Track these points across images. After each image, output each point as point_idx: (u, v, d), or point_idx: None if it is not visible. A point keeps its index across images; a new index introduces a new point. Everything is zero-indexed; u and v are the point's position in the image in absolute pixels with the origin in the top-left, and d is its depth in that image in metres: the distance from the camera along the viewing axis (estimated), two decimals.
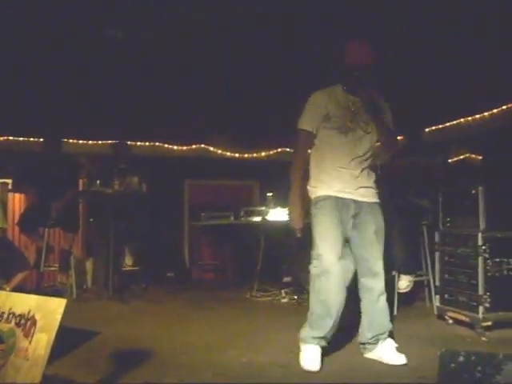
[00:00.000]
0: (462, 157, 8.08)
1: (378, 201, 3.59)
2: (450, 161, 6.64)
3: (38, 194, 6.02)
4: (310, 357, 3.39)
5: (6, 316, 3.70)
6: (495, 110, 6.34)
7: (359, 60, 3.40)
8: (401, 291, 5.08)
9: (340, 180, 3.47)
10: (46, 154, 6.19)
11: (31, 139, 7.61)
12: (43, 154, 6.28)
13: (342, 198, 3.47)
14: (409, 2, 4.46)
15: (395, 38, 5.07)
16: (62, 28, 5.43)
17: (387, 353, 3.52)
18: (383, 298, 3.59)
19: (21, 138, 7.64)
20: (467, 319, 4.39)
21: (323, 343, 3.47)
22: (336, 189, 3.47)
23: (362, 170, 3.52)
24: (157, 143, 8.23)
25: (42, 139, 6.66)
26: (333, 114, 3.46)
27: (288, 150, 8.61)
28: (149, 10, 5.01)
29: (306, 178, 3.58)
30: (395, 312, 5.05)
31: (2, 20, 5.00)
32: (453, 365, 2.30)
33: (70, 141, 7.54)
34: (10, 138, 7.61)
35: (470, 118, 6.76)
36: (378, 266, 3.54)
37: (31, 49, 5.69)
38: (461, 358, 2.31)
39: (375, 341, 3.56)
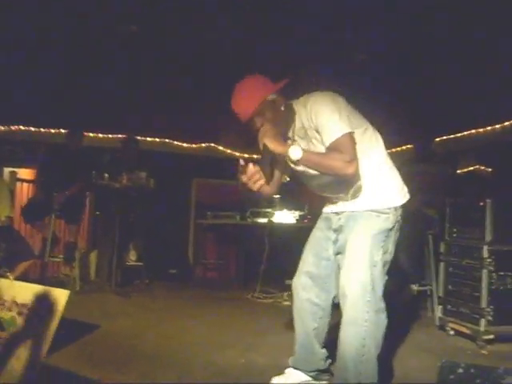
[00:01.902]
0: (471, 168, 8.06)
1: (361, 209, 2.87)
2: (459, 171, 6.61)
3: (46, 184, 6.06)
4: (283, 379, 3.11)
5: (8, 304, 3.73)
6: (507, 123, 6.32)
7: (239, 117, 2.89)
8: (404, 301, 5.08)
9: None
10: (70, 145, 6.25)
11: (52, 130, 7.64)
12: (67, 146, 6.35)
13: (324, 212, 3.13)
14: (419, 4, 4.41)
15: (406, 45, 5.06)
16: (76, 23, 5.46)
17: None
18: (348, 344, 2.72)
19: (42, 129, 7.67)
20: (469, 331, 4.37)
21: (305, 371, 3.12)
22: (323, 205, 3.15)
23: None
24: (167, 140, 8.24)
25: (65, 130, 6.74)
26: None
27: None
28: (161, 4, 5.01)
29: None
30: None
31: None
32: (452, 376, 2.30)
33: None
34: (31, 128, 7.64)
35: (481, 130, 6.74)
36: (347, 287, 2.74)
37: (51, 43, 5.72)
38: (460, 370, 2.30)
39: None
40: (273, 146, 2.73)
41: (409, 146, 7.69)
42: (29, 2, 4.90)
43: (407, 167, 5.54)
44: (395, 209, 2.88)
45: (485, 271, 4.26)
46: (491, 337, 4.21)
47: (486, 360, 3.92)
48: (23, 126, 7.51)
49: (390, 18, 4.61)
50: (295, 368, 3.14)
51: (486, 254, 4.28)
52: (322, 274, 3.07)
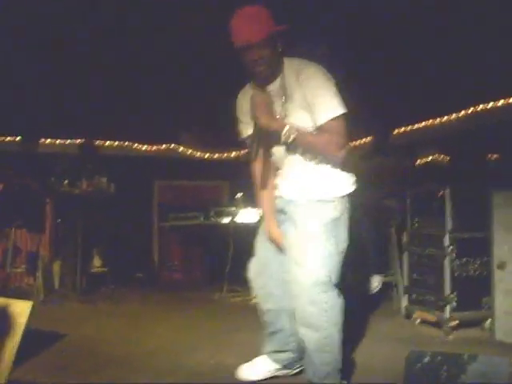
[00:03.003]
0: (429, 158, 8.19)
1: (308, 199, 2.77)
2: (417, 162, 6.72)
3: (4, 193, 5.93)
4: (252, 365, 3.13)
5: None
6: (462, 112, 6.44)
7: (241, 39, 2.58)
8: (370, 291, 5.13)
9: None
10: (23, 152, 6.09)
11: (8, 138, 7.50)
12: (20, 153, 6.20)
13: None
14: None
15: (365, 35, 5.09)
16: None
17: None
18: (309, 336, 2.75)
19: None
20: (434, 319, 4.45)
21: (276, 360, 3.13)
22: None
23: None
24: (126, 143, 8.15)
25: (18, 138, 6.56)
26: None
27: None
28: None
29: None
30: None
31: None
32: (419, 365, 2.33)
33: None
34: None
35: (437, 120, 6.85)
36: (302, 280, 2.69)
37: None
38: (427, 359, 2.33)
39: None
40: (266, 121, 2.61)
41: (367, 138, 7.81)
42: None
43: (367, 160, 5.64)
44: (342, 197, 2.78)
45: (447, 259, 4.33)
46: (456, 323, 4.29)
47: (453, 346, 4.00)
48: None
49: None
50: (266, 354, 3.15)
51: (447, 241, 4.35)
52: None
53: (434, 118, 6.84)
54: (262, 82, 2.74)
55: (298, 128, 2.60)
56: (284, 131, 2.57)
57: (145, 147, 8.29)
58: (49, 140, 7.60)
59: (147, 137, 8.08)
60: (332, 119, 2.58)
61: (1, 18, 4.92)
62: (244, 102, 2.86)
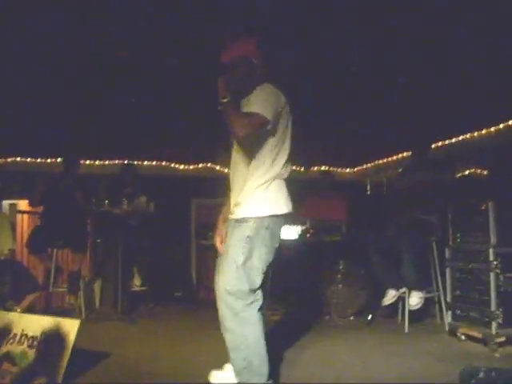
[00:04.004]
0: (466, 172, 8.10)
1: (238, 217, 3.14)
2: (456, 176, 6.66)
3: (49, 214, 6.05)
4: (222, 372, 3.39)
5: (18, 338, 3.71)
6: (501, 126, 6.37)
7: (221, 60, 3.24)
8: (412, 308, 5.07)
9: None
10: (65, 174, 6.21)
11: (48, 160, 7.65)
12: (61, 175, 6.29)
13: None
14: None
15: (399, 50, 5.08)
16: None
17: None
18: (226, 337, 3.11)
19: (38, 160, 7.68)
20: (480, 335, 4.37)
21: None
22: None
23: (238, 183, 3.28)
24: (163, 163, 8.26)
25: (60, 159, 6.71)
26: None
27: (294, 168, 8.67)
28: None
29: None
30: (406, 329, 5.06)
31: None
32: (473, 381, 2.31)
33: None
34: (28, 159, 7.66)
35: (475, 134, 6.78)
36: (219, 289, 3.10)
37: (44, 69, 5.71)
38: (481, 375, 2.31)
39: None
40: (220, 86, 3.09)
41: (407, 153, 7.77)
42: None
43: (407, 175, 5.62)
44: (258, 219, 3.09)
45: (492, 274, 4.28)
46: (503, 339, 4.22)
47: (500, 363, 3.92)
48: (20, 157, 7.51)
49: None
50: None
51: (492, 256, 4.30)
52: None
53: (473, 131, 6.79)
54: (233, 94, 3.16)
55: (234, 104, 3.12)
56: (224, 95, 3.06)
57: (182, 166, 8.39)
58: (88, 161, 7.72)
59: (185, 157, 8.16)
60: (252, 112, 3.02)
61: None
62: None
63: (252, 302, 3.07)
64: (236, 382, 3.15)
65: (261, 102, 3.05)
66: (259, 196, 3.13)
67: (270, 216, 3.12)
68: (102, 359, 4.05)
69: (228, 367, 3.38)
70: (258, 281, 3.09)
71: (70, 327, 3.58)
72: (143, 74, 5.93)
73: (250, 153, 3.15)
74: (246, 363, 3.02)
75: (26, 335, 3.68)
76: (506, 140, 6.28)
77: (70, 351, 3.44)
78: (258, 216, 3.10)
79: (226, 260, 3.09)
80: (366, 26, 4.58)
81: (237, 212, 3.16)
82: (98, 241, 7.09)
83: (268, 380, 3.04)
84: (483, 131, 6.63)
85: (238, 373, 3.07)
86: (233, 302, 3.03)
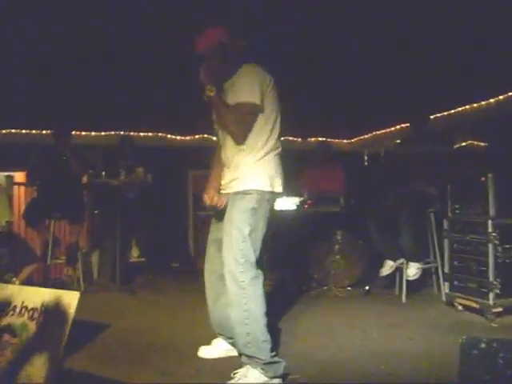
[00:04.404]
0: (464, 144, 8.08)
1: (239, 190, 3.16)
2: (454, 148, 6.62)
3: (45, 185, 6.01)
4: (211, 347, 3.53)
5: (18, 310, 3.69)
6: (501, 97, 6.33)
7: (196, 49, 3.24)
8: (410, 279, 5.12)
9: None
10: (56, 146, 6.13)
11: (43, 132, 7.59)
12: (53, 146, 6.20)
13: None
14: None
15: (396, 25, 5.04)
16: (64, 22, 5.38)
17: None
18: (232, 312, 3.12)
19: (33, 131, 7.63)
20: (477, 305, 4.41)
21: (224, 339, 3.51)
22: None
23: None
24: (160, 134, 8.20)
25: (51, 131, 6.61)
26: None
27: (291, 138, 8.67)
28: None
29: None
30: (404, 300, 5.10)
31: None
32: (475, 351, 2.31)
33: (73, 132, 7.47)
34: (23, 131, 7.58)
35: (475, 105, 6.75)
36: (225, 262, 3.12)
37: (37, 43, 5.64)
38: (482, 345, 2.32)
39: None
40: (202, 74, 3.11)
41: (404, 124, 7.74)
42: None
43: (405, 147, 5.59)
44: (260, 191, 3.12)
45: (490, 245, 4.30)
46: (500, 309, 4.26)
47: (497, 333, 3.95)
48: (14, 129, 7.43)
49: None
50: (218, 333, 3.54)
51: (490, 228, 4.31)
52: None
53: (471, 103, 6.75)
54: (215, 80, 3.17)
55: (221, 95, 3.14)
56: (209, 86, 3.07)
57: (179, 137, 8.33)
58: (84, 132, 7.66)
59: (181, 127, 8.10)
60: (240, 102, 3.06)
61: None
62: None
63: (257, 276, 3.08)
64: (237, 355, 3.20)
65: (247, 88, 3.09)
66: (258, 170, 3.15)
67: (270, 191, 3.17)
68: (102, 330, 4.08)
69: (216, 342, 3.53)
70: (258, 252, 3.12)
71: (70, 299, 3.57)
72: (139, 45, 5.89)
73: None
74: (251, 338, 3.02)
75: (26, 307, 3.66)
76: (506, 111, 6.25)
77: (69, 323, 3.45)
78: (259, 189, 3.13)
79: (231, 232, 3.08)
80: None
81: (236, 185, 3.17)
82: (96, 212, 7.07)
83: (271, 352, 3.05)
84: (483, 102, 6.59)
85: (242, 347, 3.08)
86: (240, 274, 3.03)
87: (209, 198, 3.41)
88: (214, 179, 3.46)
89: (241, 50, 3.28)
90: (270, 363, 3.01)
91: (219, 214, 3.37)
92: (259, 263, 3.13)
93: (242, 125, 3.10)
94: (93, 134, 7.79)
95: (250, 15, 4.74)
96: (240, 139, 3.13)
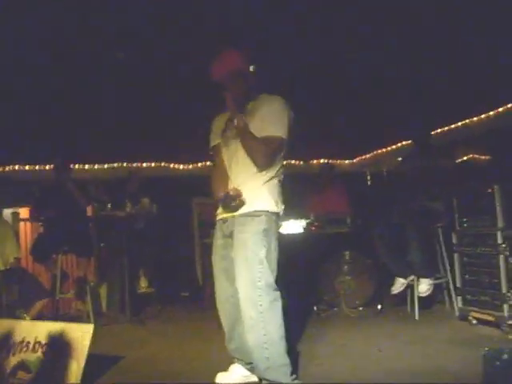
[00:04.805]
0: (465, 158, 8.12)
1: (247, 211, 3.15)
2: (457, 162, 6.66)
3: (50, 220, 6.01)
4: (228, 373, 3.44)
5: (31, 345, 3.69)
6: (501, 109, 6.37)
7: (214, 76, 3.25)
8: (421, 295, 5.10)
9: None
10: (57, 179, 6.13)
11: (47, 167, 7.57)
12: (55, 181, 6.18)
13: (217, 220, 3.39)
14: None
15: (396, 40, 5.08)
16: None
17: None
18: (250, 337, 3.07)
19: (37, 167, 7.63)
20: (492, 318, 4.38)
21: (241, 364, 3.43)
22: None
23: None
24: (162, 163, 8.23)
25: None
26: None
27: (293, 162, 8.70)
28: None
29: None
30: (417, 317, 5.07)
31: None
32: (498, 363, 2.31)
33: (76, 166, 7.52)
34: (26, 167, 7.61)
35: (475, 118, 6.79)
36: (241, 287, 3.09)
37: (34, 74, 5.66)
38: (505, 356, 2.31)
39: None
40: (229, 103, 3.15)
41: (406, 142, 7.78)
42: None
43: (409, 163, 5.62)
44: (268, 212, 3.14)
45: (501, 257, 4.29)
46: None
47: None
48: (18, 165, 7.47)
49: None
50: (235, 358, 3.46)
51: (500, 239, 4.31)
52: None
53: (471, 116, 6.79)
54: (233, 107, 3.21)
55: (247, 125, 3.13)
56: (238, 116, 3.12)
57: (181, 166, 8.36)
58: (87, 166, 7.69)
59: (183, 156, 8.14)
60: (270, 136, 3.11)
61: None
62: (219, 118, 3.47)
63: (276, 299, 3.05)
64: (257, 380, 3.20)
65: (277, 121, 3.14)
66: (266, 192, 3.18)
67: (277, 212, 3.20)
68: (118, 362, 4.06)
69: (233, 368, 3.45)
70: (276, 273, 3.10)
71: (84, 332, 3.57)
72: (138, 74, 5.92)
73: None
74: (271, 362, 2.99)
75: (40, 342, 3.66)
76: (505, 124, 6.30)
77: (85, 356, 3.43)
78: (268, 210, 3.15)
79: (246, 256, 3.06)
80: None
81: (244, 207, 3.15)
82: (102, 245, 7.06)
83: (291, 376, 3.03)
84: (482, 116, 6.63)
85: (262, 372, 3.05)
86: (259, 298, 2.99)
87: (223, 191, 3.23)
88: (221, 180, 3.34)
89: (256, 77, 3.31)
90: None
91: (221, 240, 3.33)
92: (277, 285, 3.10)
93: (268, 157, 3.13)
94: (96, 167, 7.82)
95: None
96: (264, 168, 3.16)
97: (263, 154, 3.10)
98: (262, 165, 3.13)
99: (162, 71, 5.84)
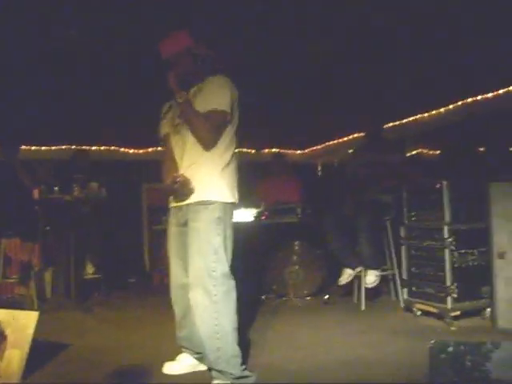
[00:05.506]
0: (414, 152, 8.27)
1: (200, 200, 3.08)
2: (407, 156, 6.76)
3: None
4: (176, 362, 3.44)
5: None
6: (451, 106, 6.51)
7: (163, 54, 3.23)
8: (368, 286, 5.17)
9: None
10: (4, 158, 5.94)
11: None
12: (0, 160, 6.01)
13: (171, 207, 3.34)
14: None
15: (348, 33, 5.10)
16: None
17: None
18: (202, 326, 3.03)
19: None
20: (436, 310, 4.50)
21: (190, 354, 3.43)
22: None
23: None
24: (112, 147, 8.08)
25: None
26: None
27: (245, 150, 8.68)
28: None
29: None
30: (363, 307, 5.15)
31: None
32: (443, 355, 2.36)
33: (24, 147, 7.28)
34: None
35: (426, 114, 6.92)
36: (194, 276, 3.03)
37: None
38: (450, 349, 2.36)
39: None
40: (170, 81, 3.06)
41: (358, 134, 7.86)
42: None
43: (360, 156, 5.68)
44: (223, 202, 3.09)
45: (447, 251, 4.39)
46: (458, 313, 4.36)
47: (457, 336, 4.04)
48: None
49: None
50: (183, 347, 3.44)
51: (446, 234, 4.41)
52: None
53: (423, 111, 6.92)
54: (183, 87, 3.15)
55: (189, 101, 3.10)
56: (179, 93, 3.05)
57: (132, 151, 8.23)
58: (34, 147, 7.48)
59: (134, 141, 8.00)
60: (211, 110, 3.05)
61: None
62: (169, 105, 3.38)
63: (231, 290, 3.02)
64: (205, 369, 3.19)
65: (219, 95, 3.09)
66: (220, 180, 3.11)
67: (232, 202, 3.16)
68: (64, 350, 3.97)
69: (181, 358, 3.43)
70: (230, 262, 3.06)
71: (28, 319, 3.47)
72: (90, 55, 5.78)
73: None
74: (221, 353, 2.96)
75: None
76: (456, 120, 6.43)
77: (29, 344, 3.34)
78: (222, 199, 3.09)
79: (199, 245, 3.01)
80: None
81: (196, 196, 3.08)
82: (48, 229, 6.87)
83: (241, 366, 3.02)
84: (433, 112, 6.76)
85: (212, 362, 3.02)
86: (213, 288, 2.95)
87: (172, 177, 3.12)
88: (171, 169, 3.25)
89: (209, 59, 3.27)
90: (241, 377, 2.98)
91: (177, 227, 3.26)
92: (233, 273, 3.06)
93: (213, 132, 3.07)
94: (43, 148, 7.61)
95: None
96: (210, 146, 3.08)
97: (207, 129, 3.04)
98: (207, 141, 3.07)
99: (114, 53, 5.71)
